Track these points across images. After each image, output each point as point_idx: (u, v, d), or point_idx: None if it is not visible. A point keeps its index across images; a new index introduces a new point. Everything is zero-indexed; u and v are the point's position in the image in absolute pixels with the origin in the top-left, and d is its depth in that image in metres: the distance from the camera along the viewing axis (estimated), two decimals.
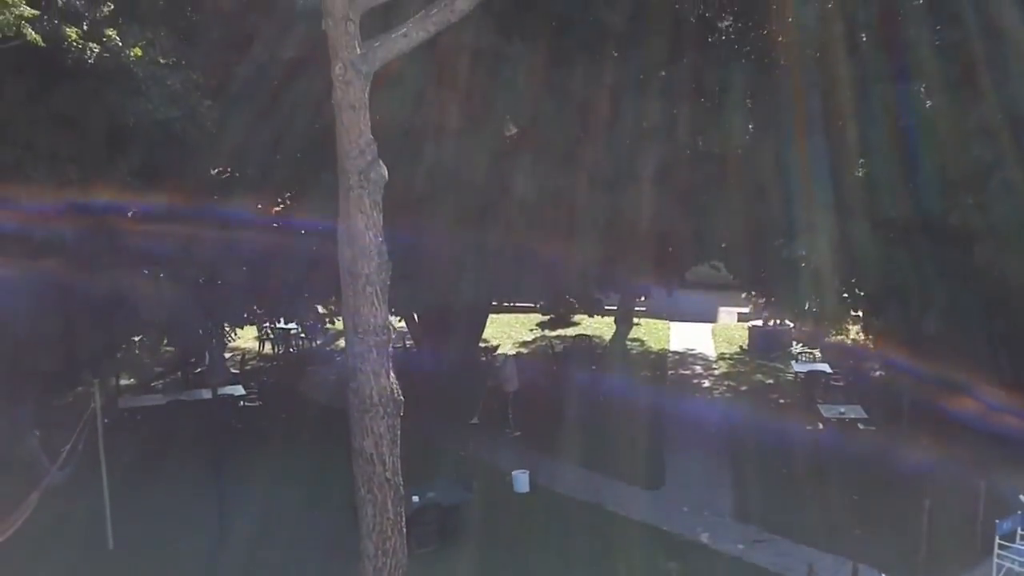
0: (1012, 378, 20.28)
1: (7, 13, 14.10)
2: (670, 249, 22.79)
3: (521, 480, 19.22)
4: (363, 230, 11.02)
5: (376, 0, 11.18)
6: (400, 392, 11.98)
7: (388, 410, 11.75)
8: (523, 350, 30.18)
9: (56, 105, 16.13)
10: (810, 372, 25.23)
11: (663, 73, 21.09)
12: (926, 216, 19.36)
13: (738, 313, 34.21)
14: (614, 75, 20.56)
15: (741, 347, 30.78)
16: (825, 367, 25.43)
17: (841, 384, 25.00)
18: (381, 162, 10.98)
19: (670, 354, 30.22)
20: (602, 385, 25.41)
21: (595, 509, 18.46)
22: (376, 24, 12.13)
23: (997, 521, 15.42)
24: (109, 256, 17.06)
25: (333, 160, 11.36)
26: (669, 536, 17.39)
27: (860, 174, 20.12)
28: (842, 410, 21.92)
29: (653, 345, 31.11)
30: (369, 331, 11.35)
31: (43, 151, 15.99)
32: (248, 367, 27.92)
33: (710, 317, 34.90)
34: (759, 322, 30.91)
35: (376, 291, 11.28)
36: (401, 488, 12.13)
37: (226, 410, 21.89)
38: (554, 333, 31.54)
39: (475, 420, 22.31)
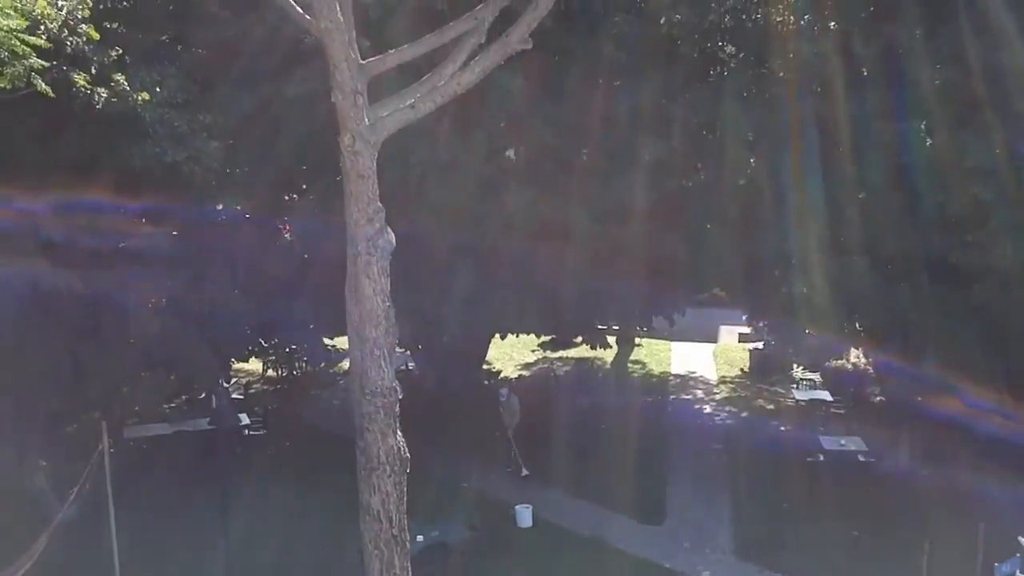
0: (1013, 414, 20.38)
1: (18, 65, 14.26)
2: (670, 279, 22.95)
3: (524, 515, 19.37)
4: (371, 295, 11.18)
5: (383, 68, 11.32)
6: (407, 449, 12.15)
7: (395, 468, 11.92)
8: (525, 372, 30.35)
9: (64, 150, 16.33)
10: (811, 400, 25.39)
11: (663, 103, 21.25)
12: (926, 253, 19.50)
13: (739, 333, 34.35)
14: (614, 107, 20.75)
15: (742, 370, 30.94)
16: (826, 394, 25.61)
17: (842, 411, 25.20)
18: (389, 229, 11.14)
19: (671, 377, 30.38)
20: (604, 412, 25.53)
21: (597, 545, 18.60)
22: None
23: (996, 564, 15.57)
24: (117, 295, 17.25)
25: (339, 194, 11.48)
26: (671, 574, 17.55)
27: (860, 210, 20.25)
28: (843, 441, 22.11)
29: (654, 368, 31.28)
30: (377, 393, 11.51)
31: (52, 195, 16.17)
32: (252, 390, 28.10)
33: (711, 336, 35.08)
34: (760, 345, 31.04)
35: (384, 354, 11.44)
36: (408, 544, 12.30)
37: (231, 440, 22.10)
38: (555, 355, 31.72)
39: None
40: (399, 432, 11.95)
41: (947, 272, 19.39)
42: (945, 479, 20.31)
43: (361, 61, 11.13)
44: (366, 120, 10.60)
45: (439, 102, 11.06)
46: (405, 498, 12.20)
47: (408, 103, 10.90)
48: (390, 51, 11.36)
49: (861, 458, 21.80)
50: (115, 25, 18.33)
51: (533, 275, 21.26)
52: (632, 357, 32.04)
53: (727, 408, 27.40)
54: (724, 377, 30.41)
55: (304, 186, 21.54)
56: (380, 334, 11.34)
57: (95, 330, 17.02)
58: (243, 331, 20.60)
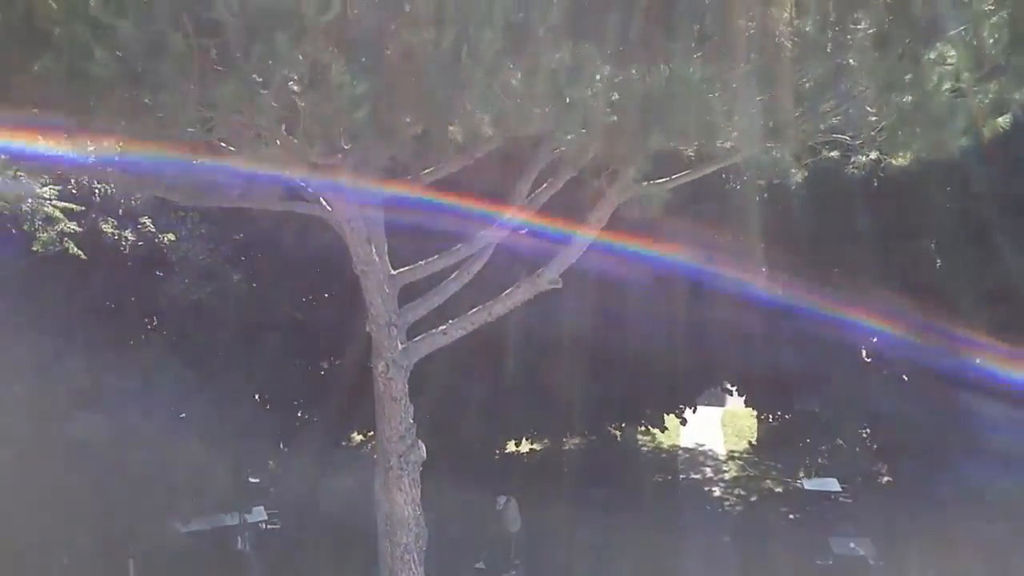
0: None
1: (50, 231, 14.62)
2: (682, 380, 23.32)
3: None
4: (402, 505, 11.52)
5: (413, 278, 11.65)
6: None
7: None
8: (536, 446, 30.63)
9: (92, 295, 16.65)
10: (820, 491, 25.66)
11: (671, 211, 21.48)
12: (938, 372, 19.82)
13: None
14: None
15: (750, 442, 31.19)
16: (834, 483, 25.86)
17: (850, 500, 25.48)
18: (420, 442, 11.48)
19: (680, 451, 30.66)
20: (616, 499, 25.76)
21: None
22: None
23: None
24: (144, 428, 17.59)
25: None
26: None
27: (874, 327, 20.60)
28: (852, 544, 22.37)
29: (664, 439, 31.52)
30: None
31: (79, 339, 16.50)
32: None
33: (718, 397, 35.29)
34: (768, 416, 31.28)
35: (413, 557, 11.79)
36: None
37: (248, 540, 22.40)
38: None
39: (480, 564, 22.47)
40: None
41: (960, 390, 19.71)
42: None
43: (392, 272, 11.47)
44: (399, 346, 10.93)
45: (469, 329, 11.43)
46: None
47: (440, 329, 11.27)
48: (420, 262, 11.70)
49: (871, 562, 22.09)
50: None
51: (546, 380, 21.66)
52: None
53: (736, 491, 27.67)
54: (732, 452, 30.70)
55: (326, 295, 21.84)
56: (411, 540, 11.69)
57: (122, 465, 17.32)
58: (265, 444, 20.95)
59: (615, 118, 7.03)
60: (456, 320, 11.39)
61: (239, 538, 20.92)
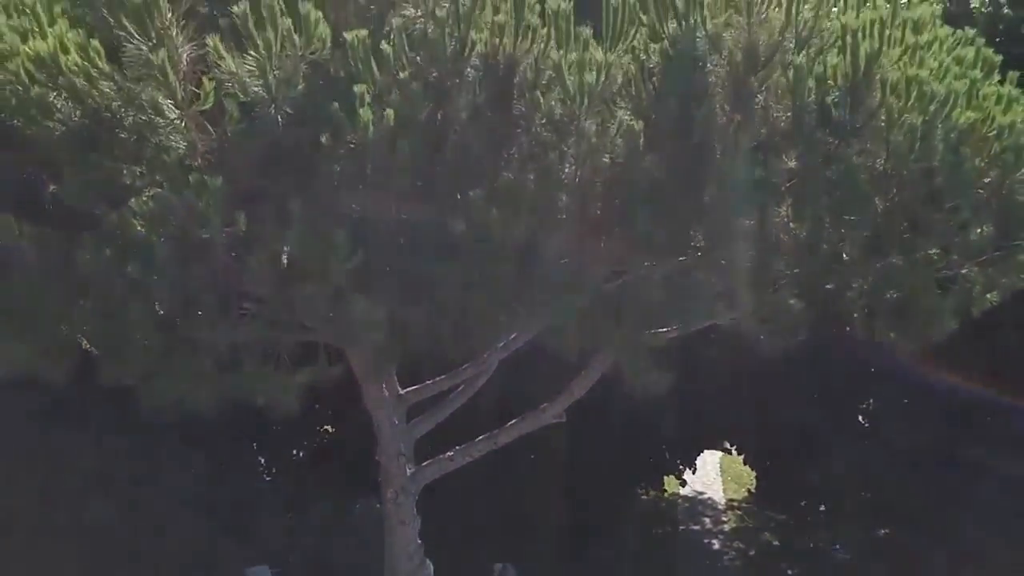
0: None
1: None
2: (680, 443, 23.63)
3: None
4: None
5: (420, 398, 11.99)
6: None
7: None
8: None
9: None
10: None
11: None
12: (937, 444, 20.12)
13: None
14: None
15: (748, 491, 31.41)
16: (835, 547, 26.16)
17: (848, 557, 25.73)
18: (428, 560, 11.80)
19: (680, 500, 30.90)
20: (614, 556, 25.98)
21: None
22: None
23: None
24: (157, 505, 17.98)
25: None
26: None
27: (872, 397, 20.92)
28: None
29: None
30: None
31: (90, 426, 16.83)
32: None
33: None
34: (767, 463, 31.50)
35: None
36: None
37: None
38: None
39: None
40: None
41: (957, 462, 19.98)
42: None
43: (400, 392, 11.80)
44: (408, 472, 11.26)
45: (475, 456, 11.77)
46: None
47: (447, 455, 11.61)
48: (428, 382, 12.03)
49: None
50: None
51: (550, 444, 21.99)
52: None
53: (735, 543, 27.93)
54: (732, 501, 30.94)
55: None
56: None
57: (131, 542, 17.65)
58: (271, 510, 21.32)
59: (615, 324, 7.39)
60: (462, 447, 11.76)
61: None
